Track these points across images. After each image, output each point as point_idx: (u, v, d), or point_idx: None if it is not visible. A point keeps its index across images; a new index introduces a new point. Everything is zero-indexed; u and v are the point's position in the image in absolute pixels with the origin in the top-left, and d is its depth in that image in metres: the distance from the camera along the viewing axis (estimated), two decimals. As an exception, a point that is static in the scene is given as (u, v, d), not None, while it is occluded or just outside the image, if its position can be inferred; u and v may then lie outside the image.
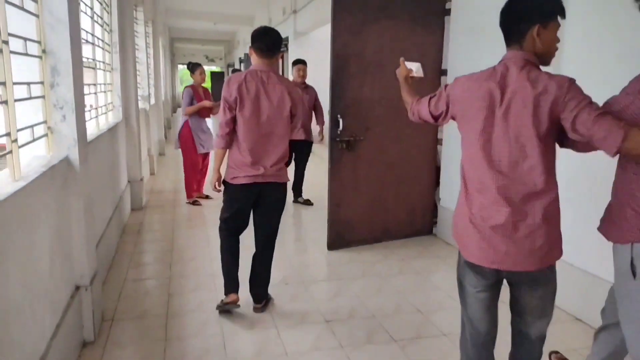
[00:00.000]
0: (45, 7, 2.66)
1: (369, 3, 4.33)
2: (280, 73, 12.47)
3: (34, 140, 2.53)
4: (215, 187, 3.29)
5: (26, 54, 2.46)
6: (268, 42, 3.09)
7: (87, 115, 3.93)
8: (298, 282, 3.90)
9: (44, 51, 2.68)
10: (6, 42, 2.11)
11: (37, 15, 2.62)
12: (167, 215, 5.80)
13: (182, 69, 32.52)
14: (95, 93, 4.36)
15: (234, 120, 3.08)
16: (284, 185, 3.26)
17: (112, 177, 4.76)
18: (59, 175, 2.65)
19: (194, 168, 6.35)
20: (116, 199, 4.93)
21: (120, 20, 5.64)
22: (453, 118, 2.06)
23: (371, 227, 4.71)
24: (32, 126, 2.51)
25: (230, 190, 3.20)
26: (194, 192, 6.42)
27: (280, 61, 12.62)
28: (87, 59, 4.09)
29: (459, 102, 1.97)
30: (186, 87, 6.36)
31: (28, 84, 2.48)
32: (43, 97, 2.70)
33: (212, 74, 31.91)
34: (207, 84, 33.04)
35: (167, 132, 13.68)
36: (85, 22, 4.01)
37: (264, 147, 3.09)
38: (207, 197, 6.57)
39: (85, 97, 3.90)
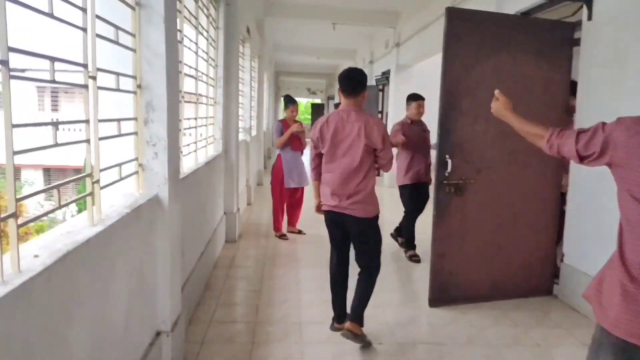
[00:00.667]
0: (142, 42, 2.58)
1: (486, 35, 3.92)
2: (380, 107, 12.25)
3: (121, 179, 2.41)
4: (316, 211, 3.72)
5: (118, 90, 2.37)
6: (349, 83, 3.32)
7: (185, 149, 3.89)
8: (392, 342, 3.47)
9: (139, 86, 2.59)
10: (94, 78, 2.00)
11: (133, 50, 2.54)
12: (260, 250, 5.65)
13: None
14: (196, 127, 4.33)
15: (319, 156, 3.49)
16: (362, 220, 3.33)
17: (208, 210, 4.69)
18: (145, 215, 2.51)
19: (281, 202, 6.21)
20: (210, 232, 4.85)
21: (225, 56, 5.70)
22: (609, 165, 1.67)
23: (480, 283, 4.17)
24: (120, 164, 2.40)
25: (324, 216, 3.55)
26: (281, 225, 6.27)
27: (380, 94, 12.40)
28: (189, 93, 4.08)
29: (623, 148, 1.58)
30: (277, 120, 6.29)
31: (118, 120, 2.38)
32: (136, 133, 2.61)
33: (313, 105, 32.71)
34: (305, 116, 33.88)
35: (267, 161, 13.93)
36: (189, 57, 4.01)
37: (340, 180, 3.31)
38: (300, 232, 6.39)
39: (186, 130, 3.86)
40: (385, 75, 11.83)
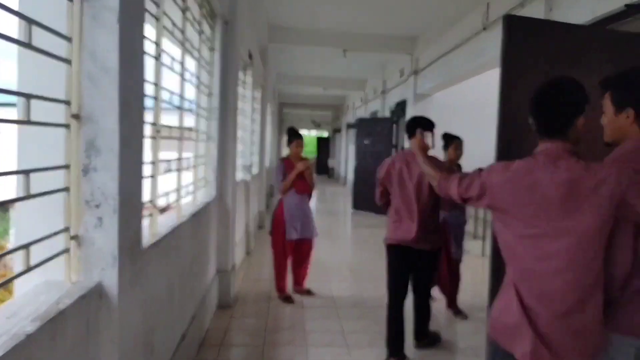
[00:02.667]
0: (83, 49, 1.68)
1: (555, 46, 3.03)
2: (394, 141, 11.38)
3: (27, 269, 1.47)
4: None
5: (30, 122, 1.46)
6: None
7: (163, 200, 2.97)
8: None
9: (75, 116, 1.68)
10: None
11: (67, 61, 1.64)
12: (260, 319, 4.60)
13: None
14: (179, 170, 3.40)
15: (384, 192, 3.86)
16: (424, 252, 3.73)
17: (194, 274, 3.72)
18: (75, 323, 1.56)
19: (284, 256, 5.19)
20: (197, 300, 3.87)
21: (222, 83, 4.82)
22: (489, 207, 1.93)
23: None
24: (30, 243, 1.47)
25: (389, 251, 3.81)
26: (284, 285, 5.23)
27: (394, 127, 11.57)
28: (169, 127, 3.18)
29: (499, 193, 1.86)
30: (279, 159, 5.33)
31: (27, 171, 1.46)
32: (67, 189, 1.68)
33: (319, 139, 31.85)
34: (311, 151, 32.65)
35: (270, 200, 12.96)
36: (171, 80, 3.13)
37: (406, 215, 3.67)
38: (308, 292, 5.36)
39: (163, 176, 2.93)
40: (401, 106, 11.00)
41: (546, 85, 1.83)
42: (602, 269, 1.72)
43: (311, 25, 9.20)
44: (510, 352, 1.78)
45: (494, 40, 6.24)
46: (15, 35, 1.45)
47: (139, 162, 2.04)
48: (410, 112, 9.92)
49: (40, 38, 1.51)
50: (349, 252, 8.13)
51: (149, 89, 2.34)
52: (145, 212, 2.41)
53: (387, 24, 8.90)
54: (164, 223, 2.99)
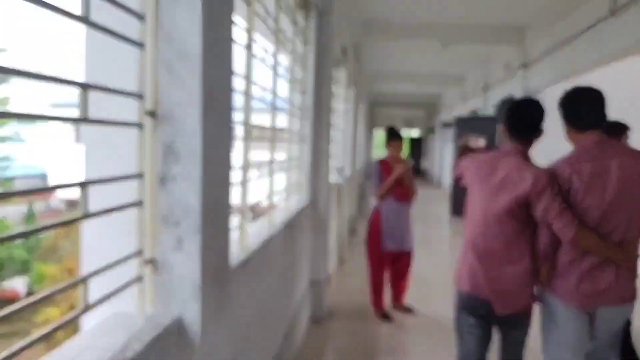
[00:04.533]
0: (160, 31, 1.37)
1: None
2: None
3: (106, 297, 1.17)
4: None
5: (92, 121, 1.15)
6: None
7: (253, 207, 2.66)
8: None
9: (151, 114, 1.37)
10: None
11: (140, 45, 1.33)
12: (357, 339, 4.16)
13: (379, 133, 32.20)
14: (270, 174, 3.09)
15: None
16: None
17: (286, 288, 3.40)
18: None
19: (380, 269, 4.71)
20: (289, 317, 3.55)
21: (316, 80, 4.47)
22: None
23: None
24: (106, 268, 1.16)
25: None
26: (382, 301, 4.75)
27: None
28: (260, 127, 2.87)
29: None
30: (376, 161, 4.83)
31: (91, 183, 1.16)
32: (140, 204, 1.37)
33: (411, 140, 30.84)
34: (405, 152, 31.45)
35: (361, 203, 12.53)
36: (262, 74, 2.82)
37: None
38: (409, 309, 4.84)
39: (254, 182, 2.62)
40: (507, 103, 10.13)
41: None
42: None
43: (408, 18, 8.64)
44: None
45: (624, 28, 5.38)
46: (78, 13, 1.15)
47: (227, 170, 1.71)
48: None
49: (106, 17, 1.20)
50: (451, 265, 7.47)
51: (237, 83, 2.02)
52: (233, 224, 2.10)
53: (492, 13, 8.13)
54: (255, 234, 2.68)
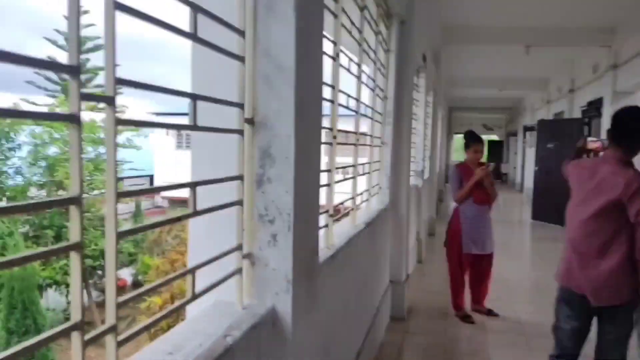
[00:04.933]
0: (258, 45, 1.50)
1: None
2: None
3: (211, 287, 1.31)
4: None
5: (205, 128, 1.30)
6: None
7: (338, 207, 2.77)
8: None
9: (249, 122, 1.51)
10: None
11: (240, 58, 1.47)
12: (436, 338, 4.19)
13: (456, 137, 31.41)
14: (354, 177, 3.19)
15: None
16: None
17: (368, 286, 3.48)
18: (247, 353, 1.38)
19: (461, 271, 4.69)
20: (371, 314, 3.63)
21: (397, 86, 4.53)
22: None
23: None
24: (212, 260, 1.31)
25: None
26: (462, 302, 4.73)
27: (586, 128, 10.13)
28: (345, 131, 2.98)
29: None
30: (455, 165, 4.83)
31: (198, 184, 1.30)
32: (239, 203, 1.51)
33: (490, 143, 29.86)
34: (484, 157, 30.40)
35: (439, 205, 12.34)
36: (347, 82, 2.92)
37: None
38: (490, 312, 4.77)
39: (337, 183, 2.73)
40: (595, 105, 9.61)
41: None
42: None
43: (489, 22, 8.46)
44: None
45: None
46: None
47: (316, 172, 1.82)
48: (608, 112, 8.54)
49: (210, 33, 1.35)
50: (533, 269, 7.20)
51: (326, 92, 2.13)
52: (321, 223, 2.21)
53: (578, 14, 7.76)
54: (340, 233, 2.79)
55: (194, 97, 1.31)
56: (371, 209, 3.86)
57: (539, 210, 11.34)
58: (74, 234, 0.89)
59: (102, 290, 13.20)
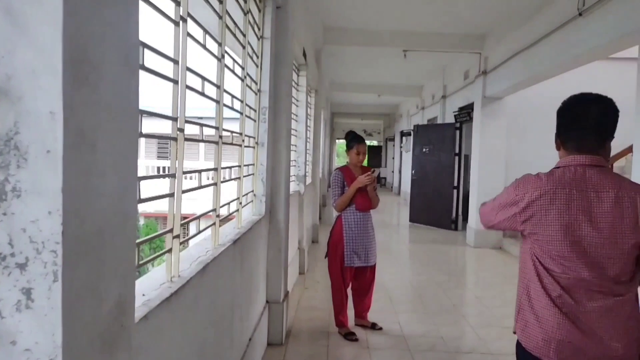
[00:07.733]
0: None
1: None
2: (457, 149, 10.25)
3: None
4: None
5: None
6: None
7: (194, 227, 2.14)
8: None
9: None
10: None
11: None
12: (318, 361, 3.68)
13: (339, 142, 31.90)
14: (216, 183, 2.54)
15: None
16: None
17: (237, 314, 2.84)
18: None
19: (343, 284, 4.27)
20: (243, 344, 3.01)
21: (274, 79, 3.96)
22: None
23: None
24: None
25: None
26: (345, 319, 4.30)
27: (457, 132, 10.43)
28: (191, 122, 2.33)
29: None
30: (336, 169, 4.37)
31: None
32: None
33: (370, 148, 30.71)
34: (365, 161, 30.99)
35: (322, 211, 12.02)
36: (203, 64, 2.29)
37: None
38: (374, 326, 4.39)
39: (189, 194, 2.09)
40: (466, 110, 9.90)
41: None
42: None
43: (369, 25, 8.35)
44: None
45: (593, 28, 5.11)
46: None
47: (129, 177, 1.17)
48: (479, 117, 8.79)
49: None
50: (414, 274, 7.01)
51: (153, 59, 1.49)
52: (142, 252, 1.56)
53: (452, 21, 7.92)
54: (191, 258, 2.14)
55: None
56: (241, 222, 3.24)
57: (415, 213, 11.57)
58: None
59: None
